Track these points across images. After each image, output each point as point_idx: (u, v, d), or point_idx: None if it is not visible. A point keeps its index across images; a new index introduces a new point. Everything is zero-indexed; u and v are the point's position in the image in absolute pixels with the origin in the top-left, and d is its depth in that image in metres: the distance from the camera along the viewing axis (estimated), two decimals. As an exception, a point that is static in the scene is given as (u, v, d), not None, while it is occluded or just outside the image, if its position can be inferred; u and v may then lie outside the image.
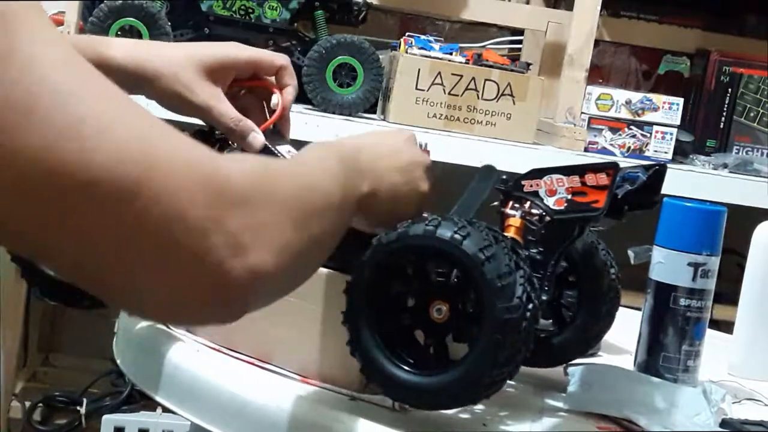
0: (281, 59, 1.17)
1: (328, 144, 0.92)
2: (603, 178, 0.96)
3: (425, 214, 0.96)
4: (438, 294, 0.93)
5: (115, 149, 0.63)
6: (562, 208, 0.98)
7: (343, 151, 0.90)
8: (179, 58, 1.11)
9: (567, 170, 0.98)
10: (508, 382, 0.93)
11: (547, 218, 0.98)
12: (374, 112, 2.19)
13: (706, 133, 2.40)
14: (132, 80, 1.09)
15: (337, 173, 0.85)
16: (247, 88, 1.18)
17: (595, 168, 0.97)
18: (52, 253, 0.65)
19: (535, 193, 0.98)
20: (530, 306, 0.88)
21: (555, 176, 0.98)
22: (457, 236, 0.89)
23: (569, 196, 0.97)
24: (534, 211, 0.99)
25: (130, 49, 1.11)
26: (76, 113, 0.62)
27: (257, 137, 1.13)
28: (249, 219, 0.69)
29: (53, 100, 0.61)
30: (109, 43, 1.12)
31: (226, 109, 1.13)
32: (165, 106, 1.13)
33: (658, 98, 2.27)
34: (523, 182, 0.99)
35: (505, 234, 0.98)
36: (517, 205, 0.99)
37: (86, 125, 0.62)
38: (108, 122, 0.63)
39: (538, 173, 0.99)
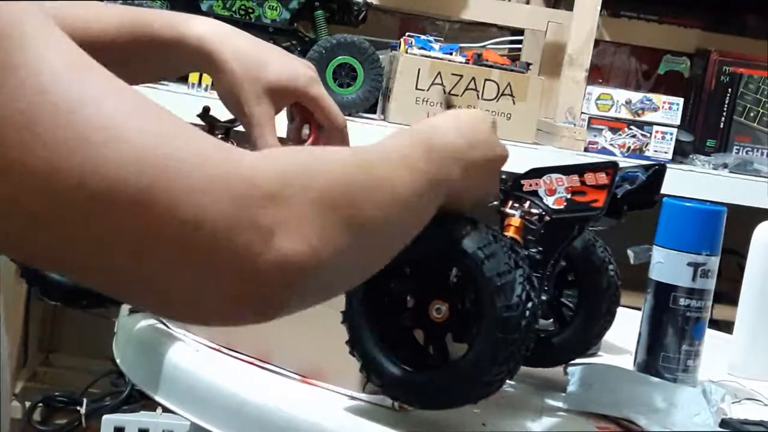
0: (340, 118, 1.15)
1: (409, 131, 0.87)
2: (602, 178, 0.96)
3: None
4: (437, 293, 0.93)
5: (127, 154, 0.61)
6: (562, 207, 0.98)
7: (424, 134, 0.86)
8: (255, 69, 1.10)
9: (566, 170, 0.98)
10: (508, 381, 0.93)
11: (547, 218, 0.98)
12: (374, 112, 2.19)
13: (706, 133, 2.40)
14: (203, 62, 1.10)
15: (414, 160, 0.81)
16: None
17: (594, 167, 0.97)
18: (75, 266, 0.63)
19: (535, 193, 0.98)
20: (529, 304, 0.88)
21: (554, 176, 0.98)
22: (456, 236, 0.89)
23: (569, 196, 0.97)
24: (533, 210, 0.99)
25: (211, 30, 1.10)
26: (80, 122, 0.60)
27: None
28: (279, 214, 0.65)
29: (56, 111, 0.59)
30: (189, 21, 1.11)
31: (266, 134, 1.11)
32: (218, 93, 1.13)
33: (658, 98, 2.27)
34: (522, 182, 0.99)
35: (505, 233, 0.98)
36: (516, 205, 0.99)
37: (93, 133, 0.60)
38: (118, 127, 0.61)
39: (537, 173, 0.99)
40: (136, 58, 1.09)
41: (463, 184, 0.88)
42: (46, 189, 0.59)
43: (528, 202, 0.99)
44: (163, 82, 1.99)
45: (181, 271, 0.63)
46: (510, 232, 0.98)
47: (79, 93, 0.61)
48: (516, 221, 0.98)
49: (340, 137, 1.17)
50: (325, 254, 0.68)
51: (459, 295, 0.92)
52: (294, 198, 0.67)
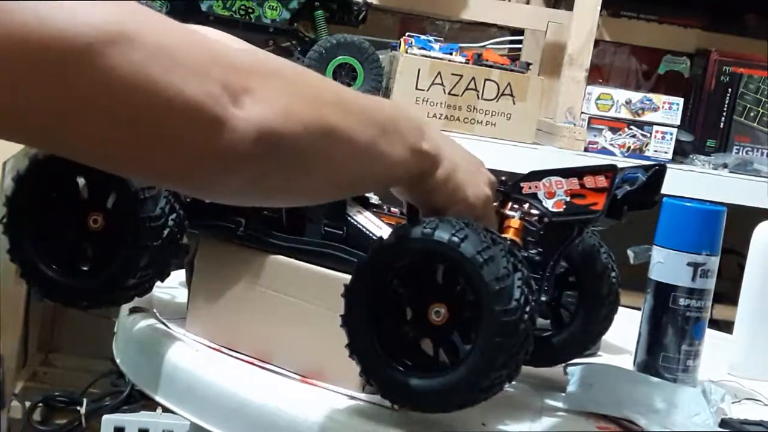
0: None
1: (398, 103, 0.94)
2: (602, 181, 0.96)
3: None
4: (437, 296, 0.93)
5: (106, 9, 0.65)
6: (561, 210, 0.98)
7: (404, 107, 0.93)
8: None
9: (566, 172, 0.98)
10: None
11: (546, 219, 0.98)
12: (374, 112, 2.19)
13: (706, 133, 2.40)
14: None
15: (384, 105, 0.89)
16: None
17: (594, 170, 0.97)
18: (49, 125, 0.66)
19: (534, 195, 0.98)
20: (528, 308, 0.88)
21: (554, 178, 0.98)
22: (455, 238, 0.89)
23: (568, 199, 0.97)
24: (533, 211, 0.99)
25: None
26: None
27: None
28: (247, 79, 0.72)
29: None
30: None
31: None
32: None
33: (658, 98, 2.27)
34: (522, 184, 0.99)
35: (504, 235, 0.98)
36: (516, 206, 0.99)
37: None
38: None
39: (536, 175, 0.99)
40: None
41: (443, 172, 0.92)
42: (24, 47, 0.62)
43: (527, 204, 0.99)
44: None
45: (157, 119, 0.68)
46: (509, 234, 0.98)
47: None
48: (515, 222, 0.98)
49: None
50: (291, 124, 0.75)
51: (458, 298, 0.92)
52: (263, 75, 0.74)
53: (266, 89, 0.73)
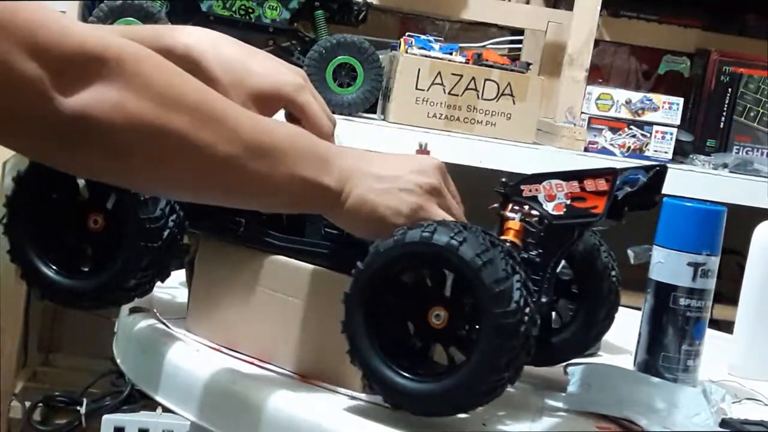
0: (326, 128, 1.15)
1: (304, 131, 0.98)
2: (602, 184, 0.96)
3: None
4: (436, 300, 0.93)
5: None
6: (561, 213, 0.98)
7: (314, 141, 0.95)
8: (240, 76, 1.12)
9: (566, 175, 0.98)
10: (508, 383, 0.93)
11: (546, 222, 0.98)
12: (374, 112, 2.19)
13: (706, 133, 2.40)
14: (191, 71, 1.12)
15: (278, 132, 0.92)
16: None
17: (594, 174, 0.97)
18: None
19: (534, 198, 0.98)
20: (527, 310, 0.88)
21: (554, 181, 0.98)
22: (453, 242, 0.89)
23: (568, 202, 0.97)
24: (533, 213, 0.99)
25: (197, 39, 1.13)
26: None
27: None
28: (82, 70, 0.80)
29: None
30: (175, 31, 1.13)
31: None
32: None
33: (658, 98, 2.28)
34: (522, 187, 0.99)
35: (504, 237, 0.98)
36: (516, 208, 0.99)
37: None
38: None
39: (537, 178, 0.99)
40: None
41: (354, 200, 0.95)
42: None
43: (527, 207, 0.99)
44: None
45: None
46: (509, 236, 0.98)
47: None
48: (515, 225, 0.98)
49: None
50: (112, 119, 0.82)
51: (458, 302, 0.92)
52: (107, 70, 0.81)
53: (102, 83, 0.81)
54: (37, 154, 0.88)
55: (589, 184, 0.97)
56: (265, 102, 1.12)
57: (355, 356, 0.93)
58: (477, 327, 0.89)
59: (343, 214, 0.96)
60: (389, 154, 1.01)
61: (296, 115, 1.14)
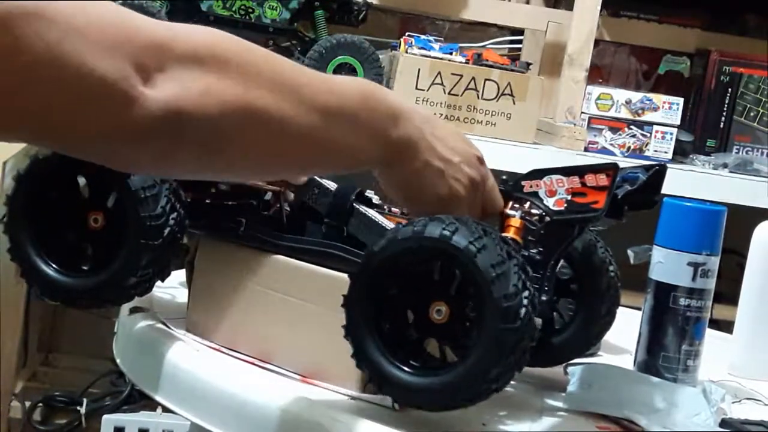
0: None
1: (373, 85, 0.93)
2: (603, 179, 0.96)
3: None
4: (436, 295, 0.93)
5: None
6: (562, 208, 0.98)
7: (385, 94, 0.92)
8: None
9: (567, 171, 0.98)
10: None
11: (547, 218, 0.98)
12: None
13: (706, 133, 2.40)
14: None
15: (348, 92, 0.88)
16: None
17: (594, 169, 0.97)
18: None
19: (535, 194, 0.98)
20: (526, 293, 0.88)
21: (555, 177, 0.98)
22: (446, 232, 0.89)
23: (569, 197, 0.97)
24: (534, 211, 0.99)
25: None
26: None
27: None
28: (162, 60, 0.74)
29: None
30: None
31: None
32: None
33: (658, 98, 2.27)
34: (523, 183, 0.99)
35: (505, 234, 0.98)
36: (516, 206, 0.99)
37: None
38: None
39: (537, 174, 0.99)
40: None
41: (413, 165, 0.93)
42: None
43: (528, 203, 0.99)
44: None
45: (67, 93, 0.71)
46: (510, 233, 0.98)
47: None
48: (516, 222, 0.98)
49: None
50: (202, 107, 0.76)
51: (458, 294, 0.92)
52: (183, 56, 0.76)
53: (183, 70, 0.76)
54: (127, 164, 0.82)
55: (590, 180, 0.97)
56: None
57: (360, 359, 0.93)
58: (478, 314, 0.89)
59: (394, 175, 0.94)
60: (450, 130, 0.99)
61: None
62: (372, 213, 1.06)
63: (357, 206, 1.06)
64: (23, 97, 0.70)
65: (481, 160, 0.99)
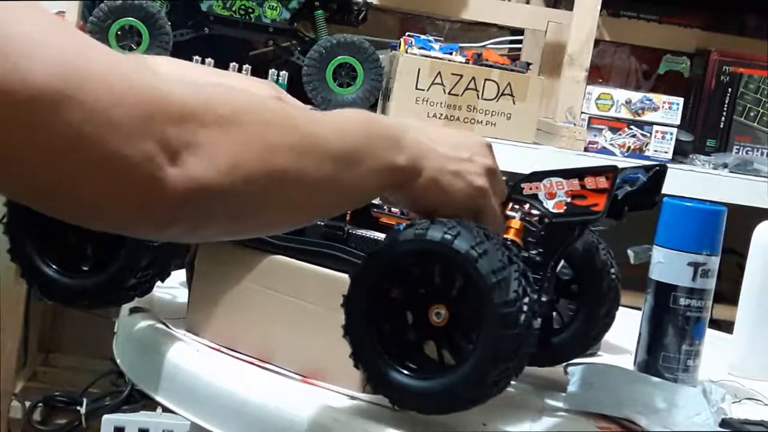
0: None
1: (367, 114, 0.93)
2: (602, 182, 0.96)
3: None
4: (436, 298, 0.93)
5: (49, 64, 0.65)
6: (562, 211, 0.98)
7: (379, 121, 0.91)
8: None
9: (566, 173, 0.98)
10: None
11: (547, 220, 0.98)
12: (374, 112, 2.19)
13: (706, 133, 2.40)
14: None
15: (352, 130, 0.87)
16: None
17: (594, 171, 0.97)
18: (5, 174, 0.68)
19: (535, 196, 0.98)
20: (527, 299, 0.88)
21: (554, 179, 0.98)
22: (447, 236, 0.89)
23: (569, 200, 0.97)
24: (534, 212, 0.99)
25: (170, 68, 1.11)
26: (7, 34, 0.64)
27: None
28: (190, 134, 0.71)
29: None
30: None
31: None
32: None
33: (658, 98, 2.28)
34: (522, 185, 0.99)
35: (505, 236, 0.98)
36: (516, 207, 0.99)
37: (18, 44, 0.64)
38: (40, 41, 0.66)
39: (537, 176, 0.99)
40: None
41: (426, 178, 0.92)
42: None
43: (528, 205, 0.99)
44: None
45: (93, 177, 0.69)
46: (510, 235, 0.98)
47: (7, 11, 0.65)
48: (516, 223, 0.98)
49: None
50: (233, 177, 0.74)
51: (457, 298, 0.92)
52: (210, 124, 0.73)
53: (210, 142, 0.73)
54: (154, 239, 0.81)
55: (590, 182, 0.97)
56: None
57: (359, 360, 0.93)
58: (477, 319, 0.89)
59: (413, 191, 0.93)
60: (443, 130, 1.00)
61: None
62: (367, 233, 1.06)
63: (352, 231, 1.06)
64: (47, 173, 0.68)
65: (488, 146, 0.99)
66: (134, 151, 0.68)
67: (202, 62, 1.98)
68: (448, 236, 0.89)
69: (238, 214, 0.78)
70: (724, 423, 1.04)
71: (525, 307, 0.88)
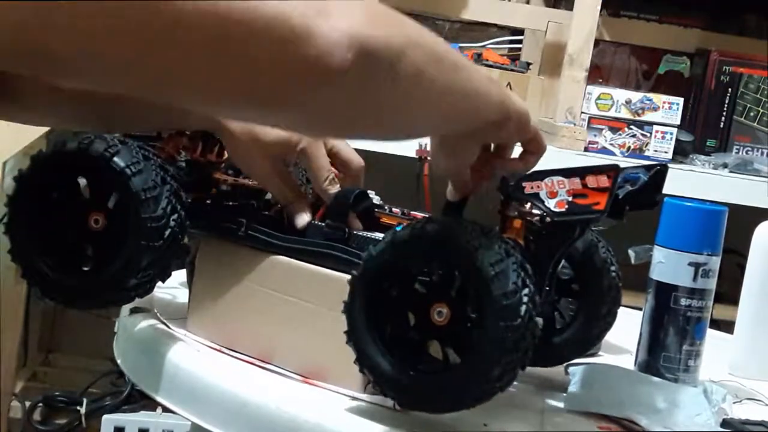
0: (358, 157, 1.16)
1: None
2: (604, 181, 0.96)
3: None
4: (437, 297, 0.93)
5: None
6: (563, 210, 0.97)
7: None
8: (253, 129, 1.11)
9: (568, 172, 0.98)
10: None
11: (548, 219, 0.98)
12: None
13: (706, 133, 2.40)
14: (210, 125, 1.13)
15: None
16: None
17: (596, 170, 0.97)
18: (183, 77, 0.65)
19: (536, 195, 0.98)
20: (526, 290, 0.88)
21: (556, 178, 0.98)
22: (469, 246, 0.89)
23: (570, 198, 0.97)
24: (535, 212, 0.99)
25: None
26: None
27: (303, 218, 1.11)
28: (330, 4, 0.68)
29: None
30: None
31: (277, 190, 1.13)
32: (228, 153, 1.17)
33: (658, 98, 2.28)
34: (524, 184, 0.99)
35: (506, 235, 0.98)
36: (517, 206, 0.99)
37: None
38: None
39: (538, 175, 0.99)
40: (154, 115, 1.11)
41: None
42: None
43: (529, 204, 0.99)
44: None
45: (241, 41, 0.65)
46: (511, 234, 0.98)
47: None
48: (517, 223, 0.98)
49: (351, 181, 1.16)
50: (389, 35, 0.71)
51: (458, 296, 0.92)
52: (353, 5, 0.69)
53: (353, 10, 0.69)
54: (322, 113, 0.73)
55: (591, 181, 0.97)
56: (282, 150, 1.12)
57: (363, 364, 0.93)
58: (479, 314, 0.89)
59: (506, 130, 0.94)
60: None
61: (329, 155, 1.14)
62: (367, 233, 1.06)
63: (353, 231, 1.06)
64: (194, 50, 0.65)
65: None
66: (281, 6, 0.65)
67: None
68: (470, 246, 0.89)
69: (402, 78, 0.74)
70: (724, 423, 1.04)
71: (525, 299, 0.88)
